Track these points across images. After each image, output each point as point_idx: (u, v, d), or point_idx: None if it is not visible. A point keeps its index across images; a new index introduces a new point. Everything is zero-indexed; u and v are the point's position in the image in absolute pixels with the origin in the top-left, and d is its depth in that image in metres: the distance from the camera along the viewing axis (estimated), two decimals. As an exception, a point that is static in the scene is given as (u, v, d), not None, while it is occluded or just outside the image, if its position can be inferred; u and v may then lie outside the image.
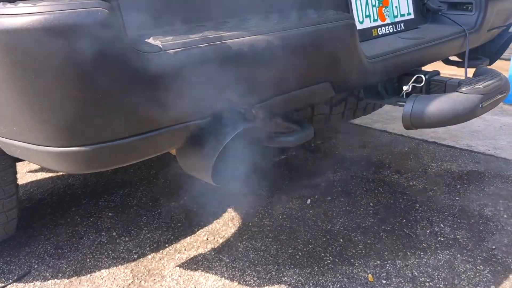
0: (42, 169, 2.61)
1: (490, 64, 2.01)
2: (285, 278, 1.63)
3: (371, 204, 2.12)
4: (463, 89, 1.24)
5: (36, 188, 2.37)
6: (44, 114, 0.78)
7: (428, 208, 2.07)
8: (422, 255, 1.74)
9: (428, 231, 1.90)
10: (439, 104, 1.20)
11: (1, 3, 0.76)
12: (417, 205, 2.10)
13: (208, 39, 0.87)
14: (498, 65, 4.72)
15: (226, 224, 1.98)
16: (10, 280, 1.66)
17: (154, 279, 1.65)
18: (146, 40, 0.84)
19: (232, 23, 0.99)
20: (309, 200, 2.16)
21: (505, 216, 2.00)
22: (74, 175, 2.48)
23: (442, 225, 1.93)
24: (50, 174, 2.54)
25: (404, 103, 1.27)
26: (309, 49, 1.04)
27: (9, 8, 0.73)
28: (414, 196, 2.18)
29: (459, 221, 1.96)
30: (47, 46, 0.72)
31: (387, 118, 3.30)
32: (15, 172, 1.63)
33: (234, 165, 1.06)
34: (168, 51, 0.82)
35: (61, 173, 2.54)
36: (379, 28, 1.46)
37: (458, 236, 1.85)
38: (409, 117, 1.22)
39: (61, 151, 0.82)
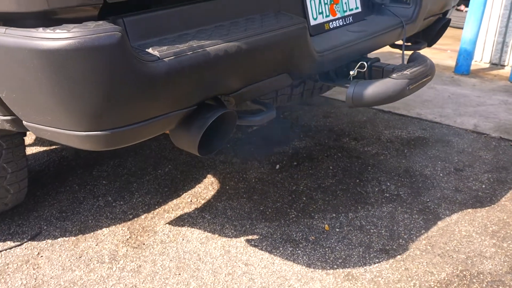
0: (35, 144, 2.85)
1: (429, 46, 2.34)
2: (257, 230, 1.98)
3: (330, 167, 2.48)
4: (394, 75, 1.57)
5: (33, 161, 2.62)
6: (76, 109, 1.07)
7: (378, 170, 2.44)
8: (369, 208, 2.11)
9: (376, 189, 2.27)
10: (374, 88, 1.52)
11: (41, 28, 1.03)
12: (369, 167, 2.47)
13: (192, 48, 1.16)
14: (455, 34, 5.10)
15: (207, 188, 2.31)
16: (25, 239, 1.95)
17: (148, 234, 1.98)
18: (147, 50, 1.12)
19: (209, 30, 1.28)
20: (278, 166, 2.50)
21: (441, 174, 2.38)
22: (68, 149, 2.75)
23: (388, 184, 2.31)
24: (44, 148, 2.80)
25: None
26: (270, 50, 1.34)
27: (49, 33, 1.00)
28: (367, 160, 2.55)
29: (402, 180, 2.34)
30: (79, 61, 1.00)
31: (350, 89, 3.63)
32: (25, 148, 1.90)
33: (215, 140, 1.37)
34: (164, 59, 1.11)
35: (54, 147, 2.80)
36: (331, 23, 1.76)
37: (400, 192, 2.23)
38: (351, 99, 1.54)
39: (87, 135, 1.11)
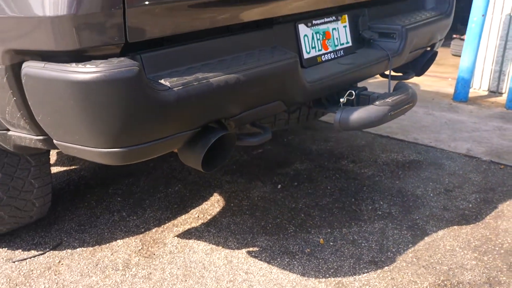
0: (56, 164, 3.09)
1: (418, 76, 2.55)
2: (258, 242, 2.16)
3: (328, 187, 2.66)
4: (377, 102, 1.77)
5: (54, 180, 2.85)
6: (100, 129, 1.28)
7: (373, 190, 2.61)
8: (362, 225, 2.28)
9: (370, 207, 2.44)
10: (358, 114, 1.72)
11: (74, 63, 1.26)
12: (364, 187, 2.65)
13: (198, 79, 1.38)
14: (457, 63, 5.31)
15: (213, 205, 2.50)
16: (47, 249, 2.16)
17: (158, 246, 2.17)
18: (159, 81, 1.35)
19: (213, 64, 1.50)
20: (279, 185, 2.69)
21: (431, 194, 2.55)
22: (86, 169, 2.97)
23: (381, 202, 2.48)
24: (64, 168, 3.03)
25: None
26: (266, 80, 1.56)
27: (81, 67, 1.23)
28: (363, 181, 2.72)
29: (395, 199, 2.51)
30: (104, 90, 1.22)
31: (351, 115, 3.83)
32: (50, 166, 2.13)
33: (217, 158, 1.58)
34: (173, 88, 1.33)
35: (73, 167, 3.03)
36: (323, 56, 1.98)
37: (392, 210, 2.40)
38: (338, 123, 1.75)
39: (108, 151, 1.33)
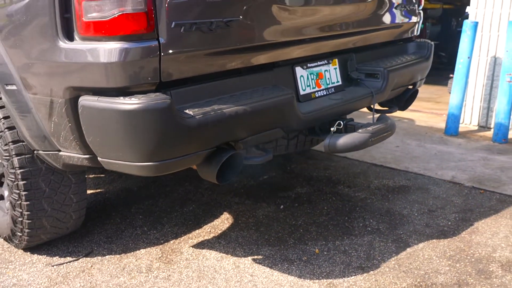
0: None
1: (401, 110, 2.94)
2: (262, 252, 2.50)
3: (325, 208, 3.01)
4: (360, 130, 2.16)
5: (83, 200, 3.22)
6: (139, 147, 1.68)
7: (365, 210, 2.95)
8: (353, 238, 2.62)
9: (361, 224, 2.78)
10: (344, 140, 2.11)
11: (122, 97, 1.66)
12: (357, 208, 2.99)
13: (214, 109, 1.78)
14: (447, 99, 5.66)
15: (223, 222, 2.85)
16: (80, 256, 2.51)
17: (176, 254, 2.51)
18: (185, 111, 1.75)
19: (226, 98, 1.90)
20: (282, 206, 3.04)
21: (415, 214, 2.88)
22: (110, 192, 3.35)
23: (371, 220, 2.82)
24: (91, 191, 3.41)
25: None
26: (267, 111, 1.95)
27: (127, 99, 1.64)
28: (356, 203, 3.07)
29: (383, 217, 2.85)
30: (144, 117, 1.62)
31: (349, 147, 4.21)
32: (86, 184, 2.51)
33: (229, 173, 1.96)
34: (196, 116, 1.73)
35: (99, 190, 3.41)
36: (316, 92, 2.38)
37: (380, 227, 2.74)
38: (328, 147, 2.13)
39: (144, 165, 1.72)
